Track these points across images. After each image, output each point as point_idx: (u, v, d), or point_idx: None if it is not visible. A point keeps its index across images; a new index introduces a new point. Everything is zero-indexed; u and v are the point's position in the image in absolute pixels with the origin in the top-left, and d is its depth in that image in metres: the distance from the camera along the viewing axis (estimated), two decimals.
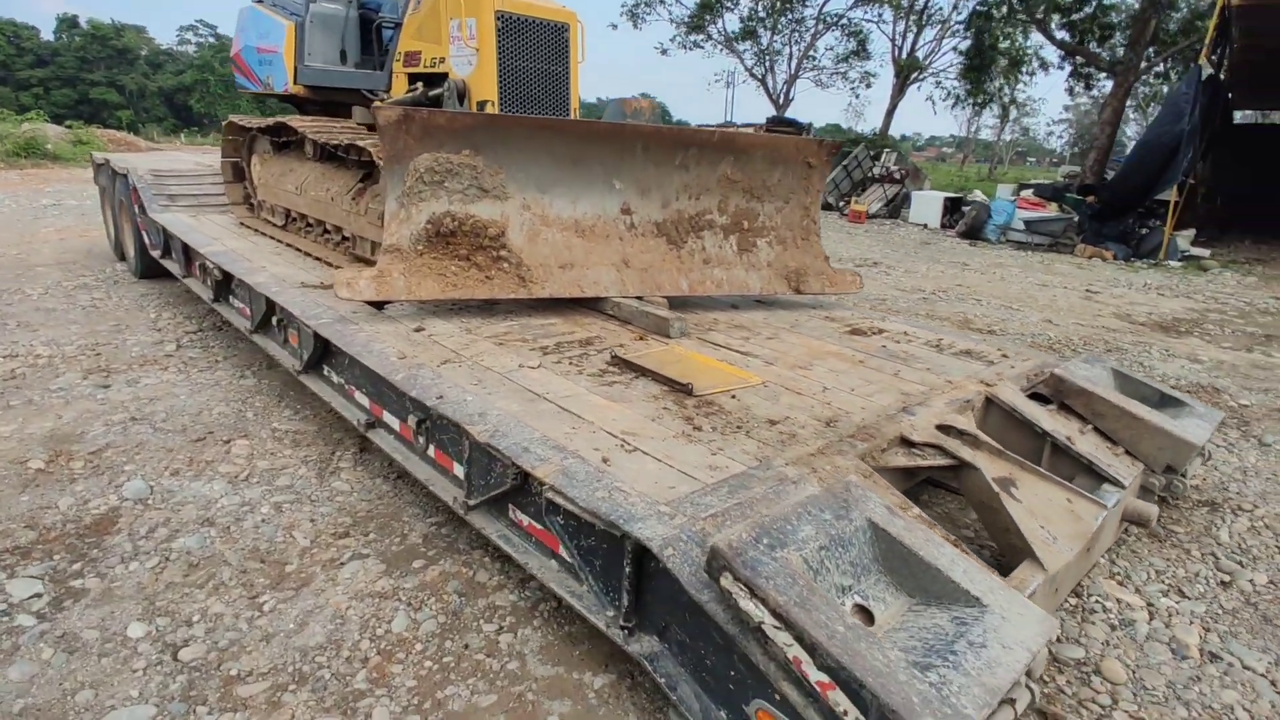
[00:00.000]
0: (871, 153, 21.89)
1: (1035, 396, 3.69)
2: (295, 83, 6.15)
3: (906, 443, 2.97)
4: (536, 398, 3.00)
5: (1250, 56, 15.24)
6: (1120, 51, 20.73)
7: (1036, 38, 24.90)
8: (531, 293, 4.17)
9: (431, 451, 3.15)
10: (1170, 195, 13.42)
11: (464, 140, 3.98)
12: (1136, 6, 19.96)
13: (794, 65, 34.09)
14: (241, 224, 6.70)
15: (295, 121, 5.55)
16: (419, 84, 5.43)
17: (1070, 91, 25.35)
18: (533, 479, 2.43)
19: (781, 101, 34.34)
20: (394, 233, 3.95)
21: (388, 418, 3.46)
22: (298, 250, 5.70)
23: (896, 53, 31.06)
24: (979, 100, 28.59)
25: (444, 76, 5.30)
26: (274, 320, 4.58)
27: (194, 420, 4.29)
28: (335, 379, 3.97)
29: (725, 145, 4.54)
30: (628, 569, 2.17)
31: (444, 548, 3.15)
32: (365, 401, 3.65)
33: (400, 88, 5.79)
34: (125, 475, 3.56)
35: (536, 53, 5.27)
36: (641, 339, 3.94)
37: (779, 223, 4.92)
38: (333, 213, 5.31)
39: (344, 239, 5.35)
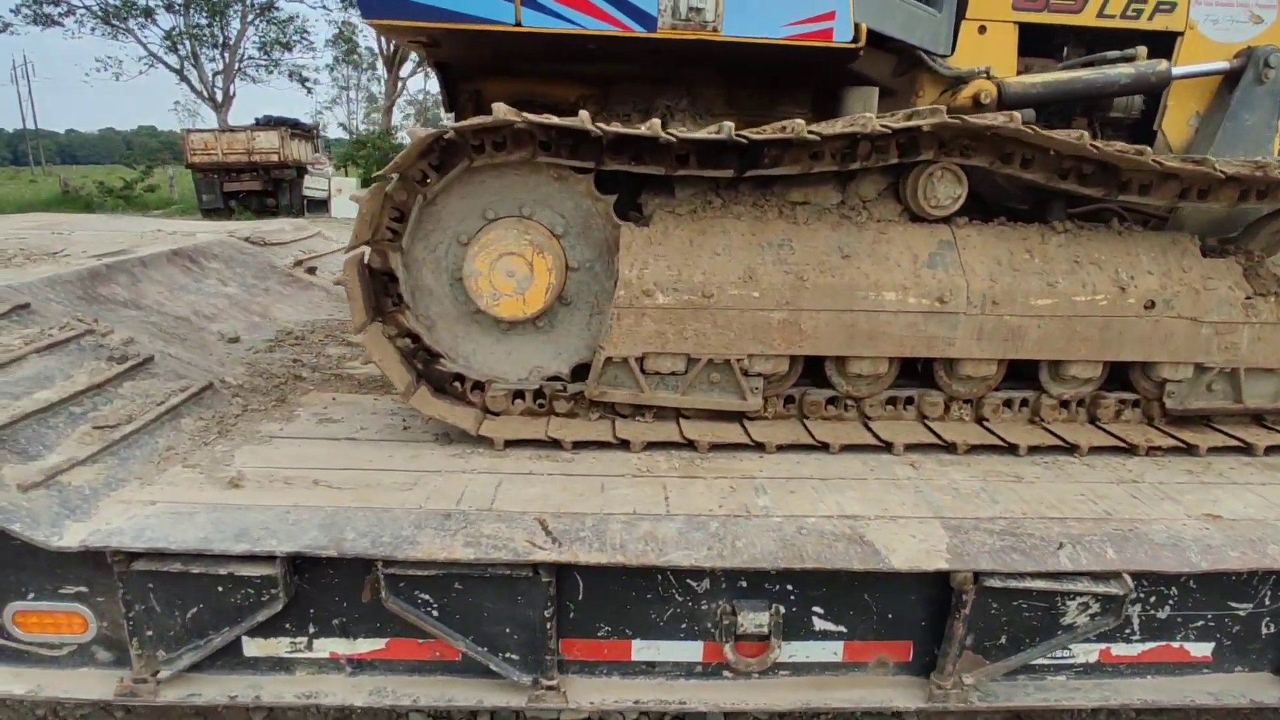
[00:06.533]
0: None
1: None
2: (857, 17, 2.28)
3: None
4: None
5: None
6: None
7: None
8: None
9: None
10: None
11: None
12: None
13: (228, 56, 27.35)
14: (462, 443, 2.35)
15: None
16: (1143, 50, 2.83)
17: None
18: None
19: (221, 100, 27.25)
20: None
21: None
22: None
23: (383, 44, 28.21)
24: None
25: (1157, 39, 2.94)
26: None
27: None
28: None
29: None
30: None
31: None
32: None
33: (996, 49, 2.91)
34: None
35: None
36: None
37: None
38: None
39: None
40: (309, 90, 33.61)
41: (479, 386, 2.55)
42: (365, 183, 21.41)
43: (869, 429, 2.57)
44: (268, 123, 20.05)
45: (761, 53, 2.43)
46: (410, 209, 2.35)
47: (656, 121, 2.15)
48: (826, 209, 2.54)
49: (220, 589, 1.85)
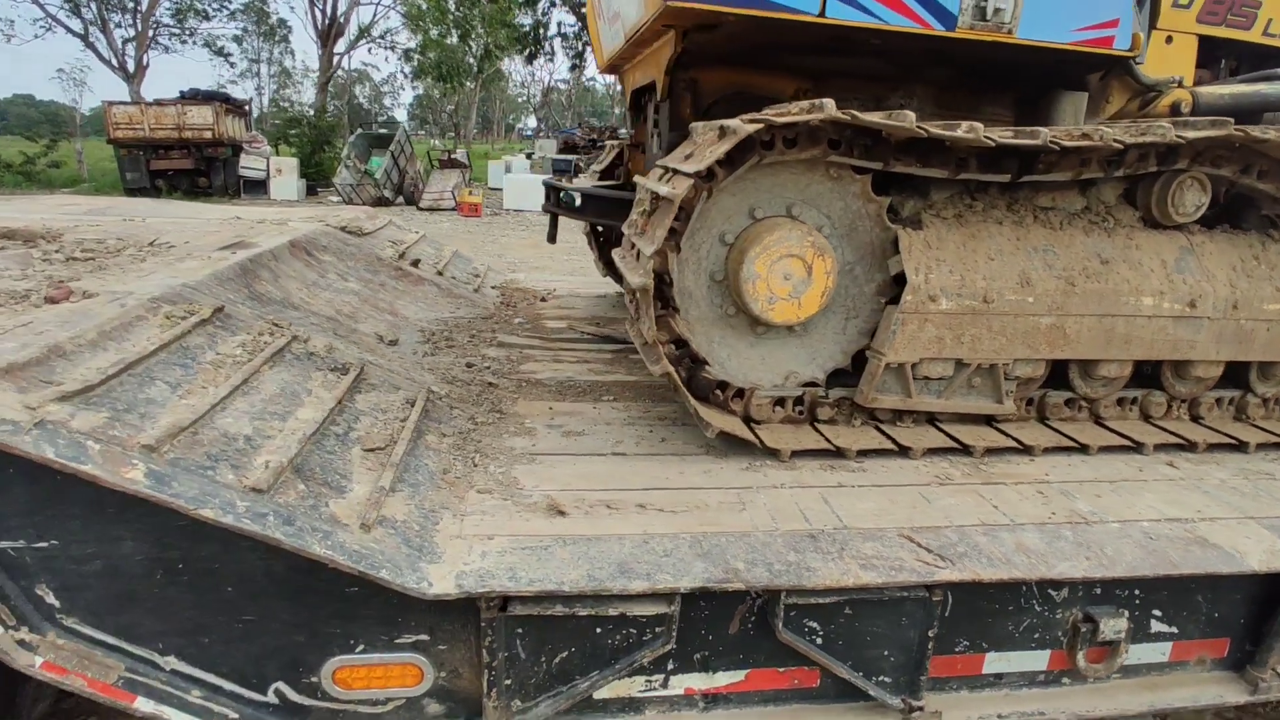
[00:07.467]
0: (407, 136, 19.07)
1: None
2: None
3: None
4: None
5: None
6: None
7: None
8: None
9: None
10: None
11: None
12: None
13: (140, 23, 24.92)
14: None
15: None
16: None
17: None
18: None
19: (133, 70, 24.82)
20: None
21: None
22: None
23: (318, 16, 26.34)
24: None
25: None
26: None
27: None
28: None
29: None
30: None
31: None
32: None
33: (1179, 59, 2.98)
34: None
35: None
36: None
37: None
38: None
39: None
40: (232, 63, 31.31)
41: (738, 394, 2.44)
42: (304, 162, 20.13)
43: (1107, 428, 2.63)
44: (196, 96, 18.52)
45: (1041, 56, 2.42)
46: (694, 205, 2.21)
47: (979, 126, 2.10)
48: (1074, 214, 2.56)
49: (598, 630, 1.69)
